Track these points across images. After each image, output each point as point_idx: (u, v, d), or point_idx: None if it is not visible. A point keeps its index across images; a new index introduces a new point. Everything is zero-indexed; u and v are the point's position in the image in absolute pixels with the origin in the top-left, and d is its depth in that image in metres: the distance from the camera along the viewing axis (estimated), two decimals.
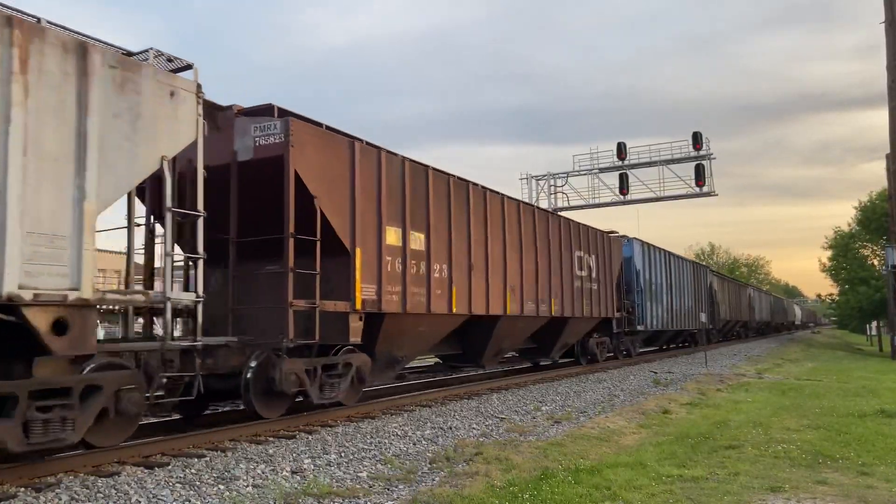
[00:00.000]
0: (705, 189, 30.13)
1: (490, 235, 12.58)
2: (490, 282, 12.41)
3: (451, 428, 8.89)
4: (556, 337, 16.24)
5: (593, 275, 17.45)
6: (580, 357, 18.58)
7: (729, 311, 37.48)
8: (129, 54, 6.77)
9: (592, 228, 18.03)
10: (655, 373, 17.57)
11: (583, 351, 18.59)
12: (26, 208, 5.41)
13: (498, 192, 13.15)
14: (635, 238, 22.23)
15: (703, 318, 29.26)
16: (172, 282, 6.80)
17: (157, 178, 6.94)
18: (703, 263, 32.45)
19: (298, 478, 6.19)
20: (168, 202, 6.76)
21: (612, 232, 19.68)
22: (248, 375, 8.08)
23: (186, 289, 8.30)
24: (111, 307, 7.23)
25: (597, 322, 18.11)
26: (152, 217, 8.65)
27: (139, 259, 8.11)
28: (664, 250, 25.08)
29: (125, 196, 7.09)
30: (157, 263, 8.42)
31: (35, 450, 5.71)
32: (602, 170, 32.28)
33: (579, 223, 17.34)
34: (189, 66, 7.12)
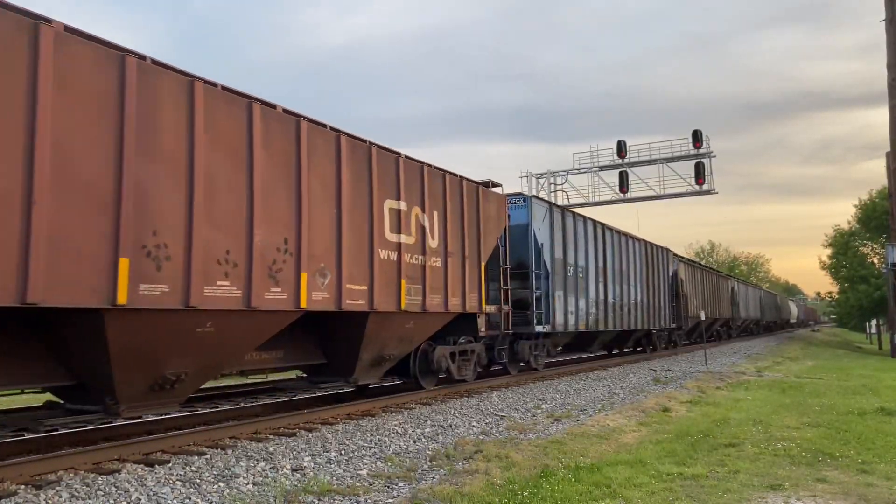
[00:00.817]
0: (705, 187, 30.13)
1: (94, 137, 5.99)
2: (66, 228, 5.75)
3: (451, 426, 8.90)
4: (355, 346, 9.76)
5: (433, 243, 10.75)
6: (419, 376, 11.58)
7: (704, 306, 31.61)
8: None
9: (435, 168, 11.00)
10: (655, 371, 17.60)
11: (425, 366, 11.67)
12: None
13: (170, 68, 6.86)
14: (536, 197, 15.41)
15: (703, 315, 26.29)
16: None
17: None
18: (665, 247, 25.18)
19: (299, 475, 6.20)
20: None
21: (490, 185, 13.15)
22: None
23: None
24: None
25: (447, 321, 11.52)
26: None
27: None
28: (594, 221, 18.34)
29: None
30: None
31: None
32: (602, 168, 32.30)
33: (400, 154, 10.24)
34: None
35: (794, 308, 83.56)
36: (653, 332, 24.01)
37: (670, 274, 25.37)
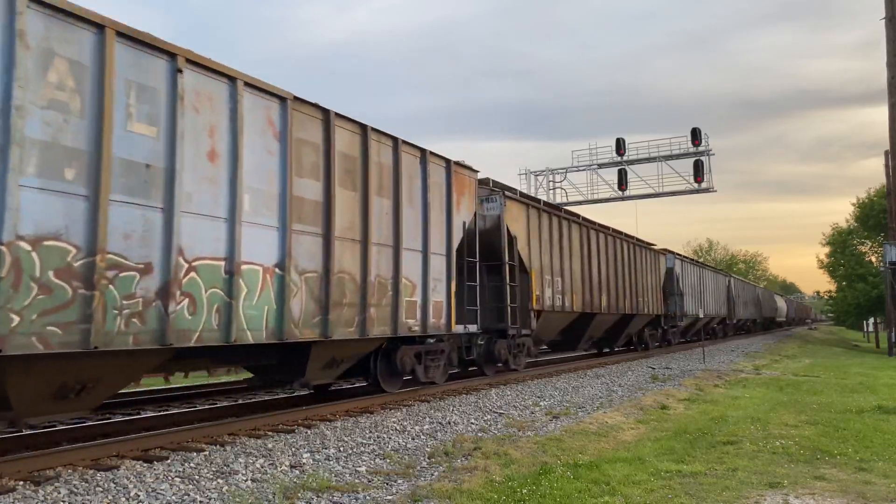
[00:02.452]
0: (704, 185, 30.18)
1: None
2: None
3: (449, 423, 8.90)
4: None
5: None
6: None
7: (609, 296, 19.05)
8: None
9: None
10: (653, 369, 17.62)
11: None
12: None
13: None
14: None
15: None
16: None
17: None
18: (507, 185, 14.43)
19: (297, 472, 6.19)
20: None
21: None
22: None
23: None
24: None
25: None
26: None
27: None
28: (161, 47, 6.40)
29: None
30: None
31: None
32: (601, 166, 32.35)
33: None
34: None
35: (781, 304, 68.44)
36: (444, 339, 11.68)
37: (486, 224, 13.40)
